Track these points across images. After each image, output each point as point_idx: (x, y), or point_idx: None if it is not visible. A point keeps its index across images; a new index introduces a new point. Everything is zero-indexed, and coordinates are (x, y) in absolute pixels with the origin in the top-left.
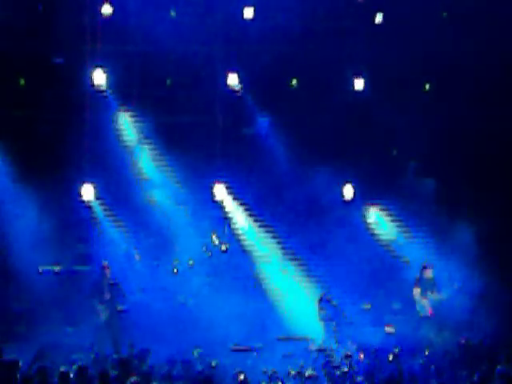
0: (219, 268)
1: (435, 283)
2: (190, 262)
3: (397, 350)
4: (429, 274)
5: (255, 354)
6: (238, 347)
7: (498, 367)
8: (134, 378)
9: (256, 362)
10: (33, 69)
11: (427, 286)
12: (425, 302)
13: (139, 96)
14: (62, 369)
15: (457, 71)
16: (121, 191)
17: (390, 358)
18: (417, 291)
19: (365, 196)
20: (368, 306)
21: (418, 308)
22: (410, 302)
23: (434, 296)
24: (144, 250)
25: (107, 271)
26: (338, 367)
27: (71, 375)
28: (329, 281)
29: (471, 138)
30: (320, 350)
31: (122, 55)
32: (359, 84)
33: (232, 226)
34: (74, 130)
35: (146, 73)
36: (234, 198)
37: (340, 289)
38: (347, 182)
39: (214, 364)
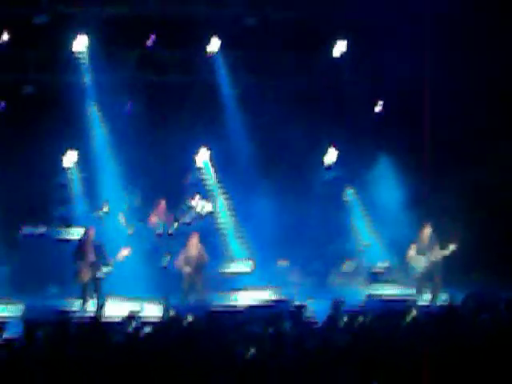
0: (200, 232)
1: (433, 243)
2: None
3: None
4: (427, 233)
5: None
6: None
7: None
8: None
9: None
10: (15, 29)
11: (424, 245)
12: (420, 261)
13: (122, 57)
14: (47, 329)
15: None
16: (104, 154)
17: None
18: (412, 250)
19: (346, 158)
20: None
21: (411, 267)
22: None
23: (431, 255)
24: (128, 212)
25: (91, 233)
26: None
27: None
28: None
29: (454, 91)
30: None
31: (104, 16)
32: (340, 47)
33: (212, 190)
34: (58, 92)
35: (128, 34)
36: (217, 162)
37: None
38: (329, 145)
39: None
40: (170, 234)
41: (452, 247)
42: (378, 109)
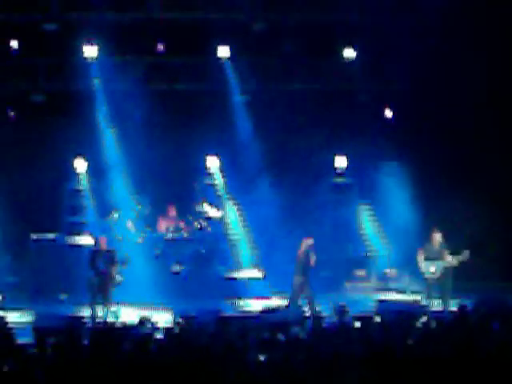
0: (212, 237)
1: (442, 248)
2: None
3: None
4: (437, 238)
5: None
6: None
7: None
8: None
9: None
10: (25, 36)
11: (434, 250)
12: (430, 266)
13: (131, 64)
14: (57, 336)
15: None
16: (114, 161)
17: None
18: (421, 255)
19: (357, 164)
20: None
21: (421, 272)
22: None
23: (442, 261)
24: (137, 218)
25: (103, 242)
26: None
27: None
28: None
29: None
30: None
31: (114, 23)
32: (349, 52)
33: (222, 196)
34: (68, 100)
35: (139, 40)
36: (227, 168)
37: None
38: (339, 152)
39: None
40: (171, 240)
41: (464, 256)
42: (388, 114)
